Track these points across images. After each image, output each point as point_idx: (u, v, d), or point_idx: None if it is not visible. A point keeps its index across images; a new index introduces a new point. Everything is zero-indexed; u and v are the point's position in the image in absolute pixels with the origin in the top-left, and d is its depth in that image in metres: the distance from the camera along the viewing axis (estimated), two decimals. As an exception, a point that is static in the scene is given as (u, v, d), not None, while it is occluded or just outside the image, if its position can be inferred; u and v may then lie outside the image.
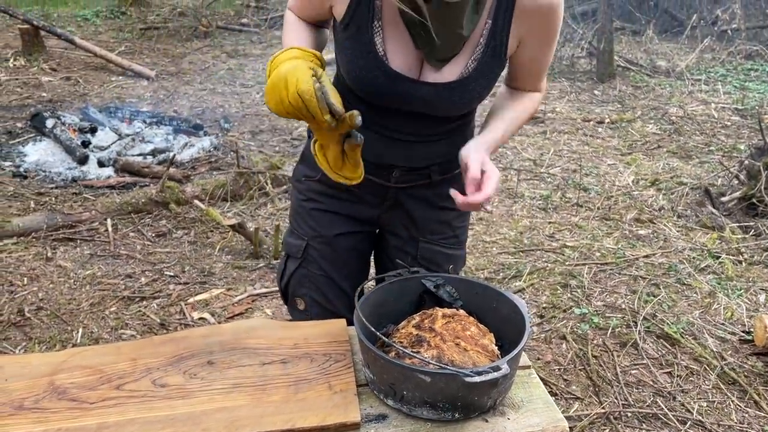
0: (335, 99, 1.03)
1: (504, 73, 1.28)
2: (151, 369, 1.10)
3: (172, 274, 2.96)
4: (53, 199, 3.59)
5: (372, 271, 1.57)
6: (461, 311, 1.17)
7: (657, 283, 3.04)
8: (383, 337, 1.03)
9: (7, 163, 4.01)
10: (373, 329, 1.03)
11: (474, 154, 1.16)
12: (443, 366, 0.98)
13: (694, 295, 2.97)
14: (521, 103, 1.28)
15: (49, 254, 3.05)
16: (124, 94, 5.69)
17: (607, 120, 5.44)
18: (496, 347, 1.11)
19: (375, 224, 1.44)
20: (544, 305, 2.87)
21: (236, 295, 2.80)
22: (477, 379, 0.95)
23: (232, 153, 4.15)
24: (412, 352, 1.02)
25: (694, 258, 3.28)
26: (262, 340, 1.17)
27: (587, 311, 2.80)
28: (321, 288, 1.40)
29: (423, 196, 1.36)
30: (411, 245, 1.40)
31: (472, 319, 1.15)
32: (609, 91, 6.35)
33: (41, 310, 2.65)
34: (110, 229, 3.27)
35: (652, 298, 2.90)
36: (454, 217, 1.39)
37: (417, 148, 1.26)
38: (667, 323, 2.72)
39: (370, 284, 1.26)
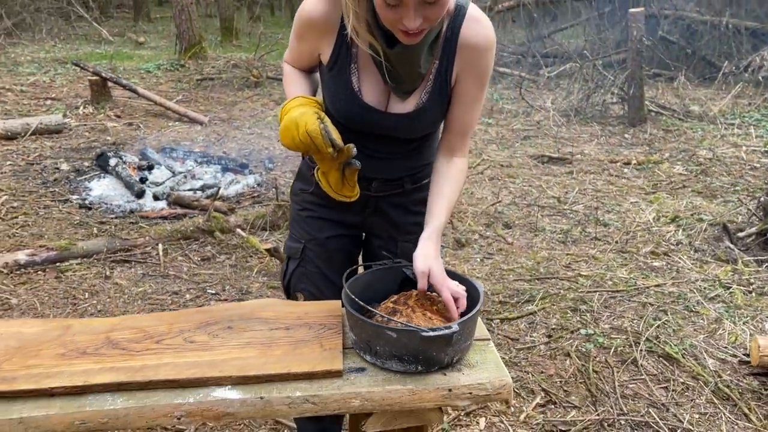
0: (336, 135, 1.35)
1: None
2: (184, 331, 1.40)
3: (213, 292, 3.29)
4: (113, 227, 4.00)
5: (360, 269, 1.86)
6: (434, 294, 1.43)
7: (665, 310, 3.20)
8: (363, 304, 1.30)
9: (75, 197, 4.47)
10: (355, 298, 1.31)
11: (420, 267, 1.37)
12: (405, 324, 1.25)
13: (701, 321, 3.11)
14: (454, 178, 1.50)
15: (108, 273, 3.43)
16: (179, 137, 6.19)
17: (633, 161, 5.62)
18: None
19: (360, 228, 1.73)
20: (553, 327, 3.06)
21: (269, 311, 3.09)
22: (431, 333, 1.21)
23: (273, 189, 4.53)
24: (386, 317, 1.29)
25: (704, 288, 3.42)
26: (272, 313, 1.46)
27: (593, 332, 2.98)
28: (316, 283, 1.69)
29: (399, 203, 1.64)
30: (392, 244, 1.67)
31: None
32: (639, 135, 6.54)
33: (99, 320, 3.01)
34: (161, 253, 3.64)
35: (658, 322, 3.06)
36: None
37: (390, 162, 1.54)
38: (670, 344, 2.87)
39: (359, 270, 1.54)
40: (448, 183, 1.51)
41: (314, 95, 1.55)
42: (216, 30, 14.19)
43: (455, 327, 1.22)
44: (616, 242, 4.01)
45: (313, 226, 1.68)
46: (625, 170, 5.46)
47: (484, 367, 1.31)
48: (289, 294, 1.75)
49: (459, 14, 1.41)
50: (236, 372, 1.25)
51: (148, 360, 1.29)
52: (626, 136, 6.53)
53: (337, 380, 1.26)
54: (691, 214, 4.43)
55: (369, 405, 1.24)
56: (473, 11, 1.42)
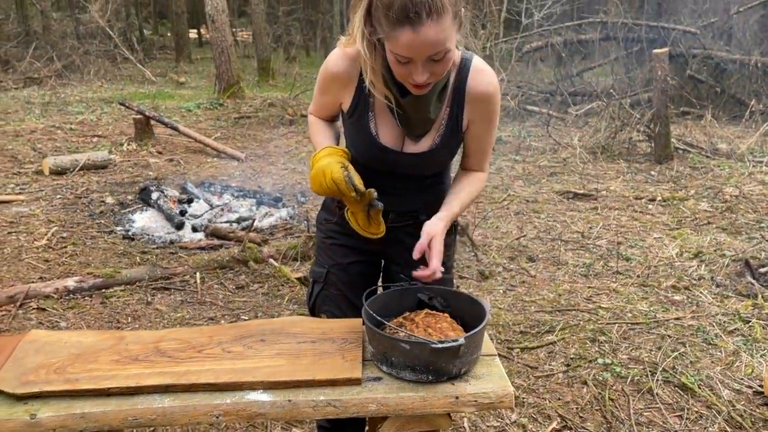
0: (358, 182, 1.55)
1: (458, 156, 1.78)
2: (222, 342, 1.57)
3: (246, 318, 3.48)
4: (154, 256, 4.25)
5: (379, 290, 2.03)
6: (443, 314, 1.58)
7: (683, 342, 3.27)
8: (380, 319, 1.47)
9: (119, 228, 4.75)
10: (372, 313, 1.47)
11: (428, 228, 1.61)
12: (418, 337, 1.41)
13: (718, 353, 3.18)
14: (471, 183, 1.74)
15: (149, 299, 3.65)
16: (217, 172, 6.49)
17: (659, 198, 5.70)
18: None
19: (379, 255, 1.91)
20: (572, 356, 3.16)
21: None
22: (440, 345, 1.36)
23: (304, 221, 4.74)
24: (392, 328, 1.45)
25: (724, 322, 3.48)
26: (300, 329, 1.63)
27: (611, 362, 3.07)
28: (339, 304, 1.87)
29: (414, 232, 1.81)
30: (408, 270, 1.83)
31: (449, 319, 1.57)
32: (665, 172, 6.61)
33: (140, 342, 3.21)
34: (198, 281, 3.86)
35: (676, 353, 3.14)
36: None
37: (406, 197, 1.72)
38: (686, 375, 2.94)
39: (378, 290, 1.71)
40: (467, 186, 1.73)
41: (338, 141, 1.76)
42: (253, 70, 14.75)
43: (462, 340, 1.38)
44: (638, 276, 4.09)
45: (337, 253, 1.86)
46: (650, 206, 5.54)
47: (489, 379, 1.46)
48: (314, 315, 1.92)
49: (465, 66, 1.60)
50: (267, 378, 1.42)
51: (191, 366, 1.46)
52: (652, 173, 6.61)
53: (356, 387, 1.41)
54: (715, 250, 4.49)
55: (384, 410, 1.39)
56: (477, 63, 1.62)
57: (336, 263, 1.86)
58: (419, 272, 1.59)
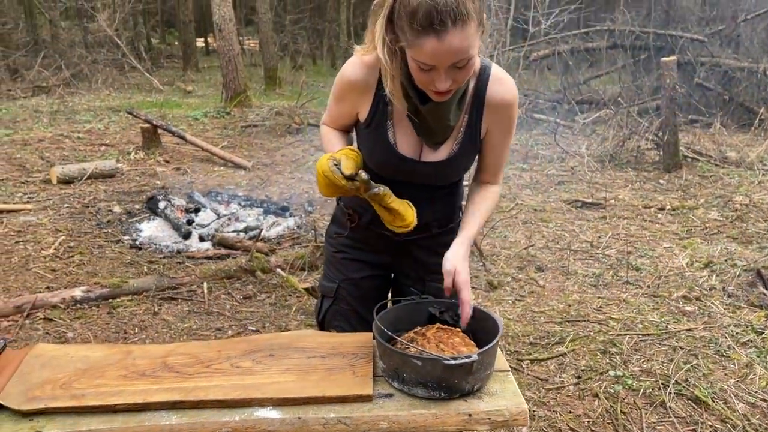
0: (346, 167, 1.48)
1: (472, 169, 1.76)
2: (231, 357, 1.55)
3: (254, 329, 3.45)
4: (161, 266, 4.23)
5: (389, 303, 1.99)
6: (450, 327, 1.56)
7: (696, 353, 3.23)
8: (391, 334, 1.44)
9: (126, 237, 4.74)
10: (383, 328, 1.44)
11: (450, 260, 1.56)
12: (430, 354, 1.38)
13: (732, 365, 3.13)
14: (487, 199, 1.71)
15: (156, 309, 3.63)
16: (224, 181, 6.49)
17: (668, 207, 5.65)
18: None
19: (390, 268, 1.88)
20: (583, 368, 3.12)
21: (306, 348, 3.24)
22: (453, 362, 1.34)
23: (312, 231, 4.72)
24: (404, 344, 1.42)
25: (737, 333, 3.44)
26: (309, 343, 1.61)
27: (622, 374, 3.03)
28: (349, 320, 1.84)
29: (427, 245, 1.78)
30: (419, 284, 1.81)
31: (461, 334, 1.54)
32: (675, 181, 6.57)
33: (147, 353, 3.19)
34: (206, 291, 3.84)
35: (688, 365, 3.09)
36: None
37: (421, 207, 1.67)
38: (699, 388, 2.90)
39: (389, 305, 1.68)
40: (483, 202, 1.70)
41: None
42: (260, 79, 14.78)
43: (475, 356, 1.35)
44: (648, 286, 4.05)
45: (348, 267, 1.84)
46: (659, 215, 5.50)
47: (503, 395, 1.43)
48: (323, 329, 1.89)
49: (484, 74, 1.58)
50: (277, 394, 1.39)
51: (199, 382, 1.44)
52: (661, 181, 6.57)
53: (367, 404, 1.39)
54: (725, 260, 4.44)
55: (396, 427, 1.36)
56: (497, 72, 1.59)
57: (347, 278, 1.84)
58: (462, 317, 1.54)
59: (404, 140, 1.62)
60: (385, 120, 1.61)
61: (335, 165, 1.48)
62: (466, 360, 1.34)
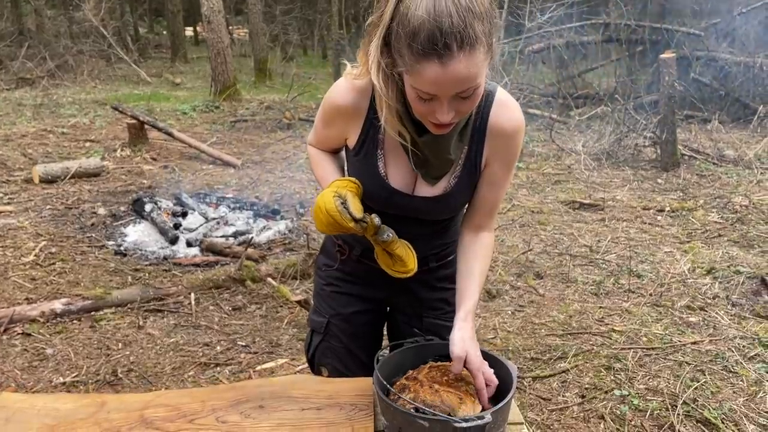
0: (355, 208, 1.34)
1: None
2: (216, 409, 1.40)
3: (243, 344, 3.31)
4: (147, 274, 4.07)
5: (384, 342, 1.85)
6: (446, 363, 1.41)
7: (702, 369, 3.11)
8: (387, 385, 1.30)
9: (111, 242, 4.57)
10: (385, 383, 1.30)
11: (457, 347, 1.36)
12: (437, 414, 1.24)
13: (740, 382, 3.02)
14: (483, 254, 1.51)
15: (141, 323, 3.47)
16: (212, 180, 6.31)
17: (667, 208, 5.54)
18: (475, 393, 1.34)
19: (385, 303, 1.73)
20: (587, 386, 3.00)
21: (299, 365, 3.10)
22: (464, 424, 1.19)
23: (304, 235, 4.57)
24: (399, 396, 1.28)
25: (743, 346, 3.33)
26: (303, 391, 1.46)
27: (628, 393, 2.91)
28: (341, 358, 1.69)
29: (424, 280, 1.63)
30: (416, 320, 1.66)
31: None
32: (672, 180, 6.46)
33: (131, 372, 3.04)
34: (193, 302, 3.69)
35: (695, 383, 2.98)
36: (450, 295, 1.63)
37: (416, 242, 1.51)
38: (708, 408, 2.79)
39: (384, 351, 1.53)
40: (478, 261, 1.50)
41: (343, 172, 1.57)
42: (250, 70, 14.56)
43: (488, 417, 1.21)
44: (651, 295, 3.93)
45: (339, 301, 1.69)
46: (659, 218, 5.39)
47: (517, 456, 1.29)
48: (314, 367, 1.75)
49: (488, 100, 1.40)
50: (267, 457, 1.25)
51: (180, 442, 1.30)
52: (659, 181, 6.46)
53: (368, 468, 1.25)
54: (728, 266, 4.33)
55: (400, 495, 1.23)
56: (501, 96, 1.42)
57: (337, 313, 1.69)
58: (481, 401, 1.35)
59: (396, 172, 1.45)
60: (375, 149, 1.44)
61: (342, 204, 1.34)
62: (479, 422, 1.20)
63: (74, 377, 2.97)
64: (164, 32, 22.45)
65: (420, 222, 1.52)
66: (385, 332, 1.81)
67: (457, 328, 1.41)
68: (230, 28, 18.31)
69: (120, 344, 3.27)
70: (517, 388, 2.95)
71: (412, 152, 1.40)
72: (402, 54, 1.19)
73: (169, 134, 7.33)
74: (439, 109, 1.23)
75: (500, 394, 1.37)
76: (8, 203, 5.39)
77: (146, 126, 7.44)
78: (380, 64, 1.25)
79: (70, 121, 8.79)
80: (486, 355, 1.44)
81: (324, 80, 13.40)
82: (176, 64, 16.42)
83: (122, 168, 6.65)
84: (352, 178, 1.45)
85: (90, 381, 2.95)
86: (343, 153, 1.61)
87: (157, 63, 16.82)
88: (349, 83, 1.41)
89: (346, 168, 1.59)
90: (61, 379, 2.96)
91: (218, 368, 3.09)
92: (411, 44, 1.15)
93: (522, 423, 1.39)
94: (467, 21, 1.13)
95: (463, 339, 1.38)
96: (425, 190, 1.46)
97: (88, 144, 7.66)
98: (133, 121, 7.37)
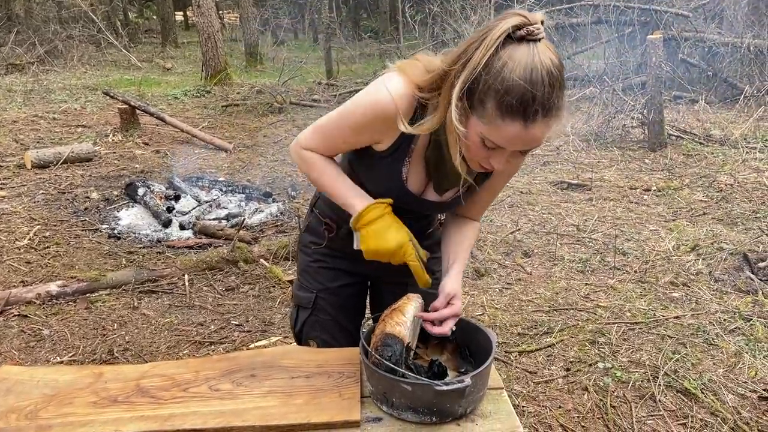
0: (423, 255, 1.50)
1: None
2: (209, 378, 1.47)
3: (237, 323, 3.37)
4: (141, 257, 4.12)
5: (367, 312, 1.93)
6: (406, 297, 1.54)
7: (684, 342, 3.20)
8: (379, 358, 1.36)
9: (104, 226, 4.61)
10: (368, 348, 1.37)
11: (449, 288, 1.54)
12: (419, 378, 1.31)
13: (720, 354, 3.11)
14: (472, 233, 1.68)
15: (136, 304, 3.53)
16: (205, 165, 6.34)
17: (653, 188, 5.62)
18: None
19: (369, 276, 1.82)
20: (571, 359, 3.08)
21: (291, 342, 3.16)
22: (444, 387, 1.27)
23: (296, 218, 4.62)
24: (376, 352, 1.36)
25: (724, 320, 3.42)
26: (293, 361, 1.53)
27: (611, 366, 3.00)
28: (329, 330, 1.76)
29: None
30: (400, 288, 1.73)
31: (412, 296, 1.54)
32: (659, 160, 6.53)
33: (127, 351, 3.11)
34: (187, 283, 3.74)
35: (677, 355, 3.07)
36: (433, 263, 1.71)
37: (409, 223, 1.58)
38: (688, 379, 2.88)
39: (369, 322, 1.60)
40: (468, 235, 1.66)
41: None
42: (241, 54, 14.50)
43: (468, 381, 1.28)
44: (635, 272, 4.02)
45: (326, 276, 1.76)
46: (645, 197, 5.47)
47: (497, 417, 1.36)
48: (301, 341, 1.82)
49: None
50: (259, 421, 1.31)
51: (176, 408, 1.36)
52: (646, 161, 6.53)
53: (354, 430, 1.32)
54: (711, 243, 4.42)
55: (385, 454, 1.30)
56: None
57: (325, 287, 1.76)
58: (436, 329, 1.51)
59: (414, 177, 1.52)
60: (404, 156, 1.48)
61: (424, 263, 1.49)
62: (459, 385, 1.27)
63: (71, 356, 3.04)
64: (154, 17, 22.27)
65: (417, 213, 1.62)
66: (367, 303, 1.89)
67: (452, 274, 1.56)
68: (220, 12, 18.18)
69: (115, 324, 3.33)
70: (503, 361, 3.04)
71: (431, 163, 1.47)
72: (485, 105, 1.22)
73: (161, 119, 7.33)
74: (498, 158, 1.30)
75: (480, 360, 1.45)
76: (1, 188, 5.42)
77: (138, 111, 7.45)
78: (460, 107, 1.26)
79: (61, 107, 8.77)
80: (466, 323, 1.51)
81: (315, 64, 13.37)
82: (167, 49, 16.32)
83: (114, 153, 6.67)
84: (388, 200, 1.49)
85: (87, 360, 3.01)
86: (338, 156, 1.62)
87: (148, 48, 16.72)
88: (407, 89, 1.37)
89: (349, 168, 1.60)
90: (58, 359, 3.02)
91: (212, 346, 3.16)
92: (501, 100, 1.19)
93: (502, 388, 1.46)
94: (556, 92, 1.19)
95: (455, 283, 1.53)
96: (433, 195, 1.54)
97: (79, 129, 7.66)
98: (125, 106, 7.38)
